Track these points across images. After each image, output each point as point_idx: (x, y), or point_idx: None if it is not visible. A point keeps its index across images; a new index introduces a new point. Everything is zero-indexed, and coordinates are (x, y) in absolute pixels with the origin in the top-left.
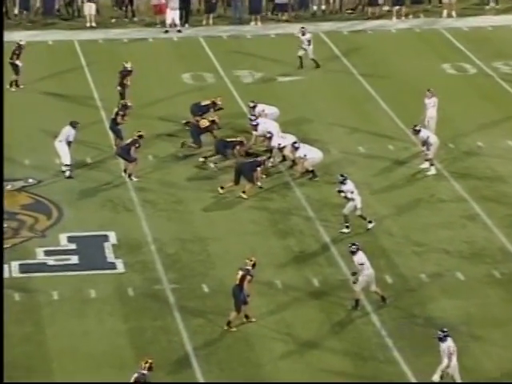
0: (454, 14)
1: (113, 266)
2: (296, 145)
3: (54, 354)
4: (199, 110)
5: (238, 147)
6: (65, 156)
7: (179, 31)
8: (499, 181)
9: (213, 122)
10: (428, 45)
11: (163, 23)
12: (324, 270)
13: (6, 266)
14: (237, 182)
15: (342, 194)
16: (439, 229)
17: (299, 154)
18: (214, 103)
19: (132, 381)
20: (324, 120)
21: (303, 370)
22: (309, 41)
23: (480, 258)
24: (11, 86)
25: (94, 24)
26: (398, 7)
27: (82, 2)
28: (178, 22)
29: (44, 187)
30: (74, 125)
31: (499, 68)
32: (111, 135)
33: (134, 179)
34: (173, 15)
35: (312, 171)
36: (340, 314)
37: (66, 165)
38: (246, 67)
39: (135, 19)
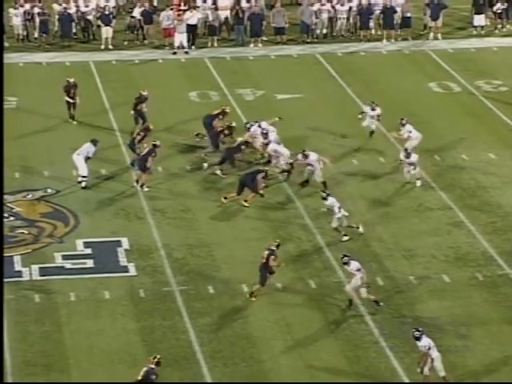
0: (439, 36)
1: (125, 270)
2: (305, 152)
3: (71, 351)
4: (211, 119)
5: (243, 147)
6: (82, 168)
7: (186, 53)
8: (482, 191)
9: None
10: (416, 65)
11: (172, 45)
12: (320, 272)
13: (26, 270)
14: (239, 192)
15: (327, 209)
16: (427, 235)
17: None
18: (223, 111)
19: (141, 375)
20: (320, 135)
21: (301, 366)
22: (378, 116)
23: (464, 262)
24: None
25: (110, 46)
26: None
27: (98, 27)
28: (185, 44)
29: (62, 197)
30: (94, 142)
31: (482, 86)
32: (124, 150)
33: (146, 189)
34: (181, 38)
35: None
36: (335, 314)
37: (83, 176)
38: (247, 86)
39: (146, 42)
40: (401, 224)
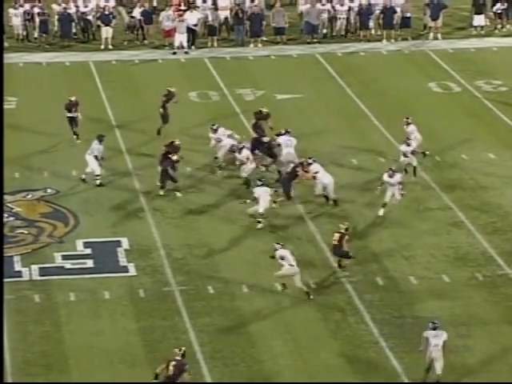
0: (439, 36)
1: (125, 270)
2: (310, 161)
3: (71, 351)
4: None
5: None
6: (94, 167)
7: (186, 53)
8: (482, 191)
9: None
10: (416, 65)
11: (171, 45)
12: (320, 272)
13: (26, 270)
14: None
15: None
16: (426, 235)
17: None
18: (260, 113)
19: (172, 370)
20: (320, 134)
21: (301, 366)
22: (412, 152)
23: (464, 262)
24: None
25: (110, 46)
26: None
27: (98, 27)
28: (185, 44)
29: (62, 197)
30: (100, 139)
31: (481, 87)
32: (124, 150)
33: (178, 194)
34: (181, 38)
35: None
36: (335, 314)
37: (97, 175)
38: (247, 86)
39: (146, 42)
40: (401, 224)
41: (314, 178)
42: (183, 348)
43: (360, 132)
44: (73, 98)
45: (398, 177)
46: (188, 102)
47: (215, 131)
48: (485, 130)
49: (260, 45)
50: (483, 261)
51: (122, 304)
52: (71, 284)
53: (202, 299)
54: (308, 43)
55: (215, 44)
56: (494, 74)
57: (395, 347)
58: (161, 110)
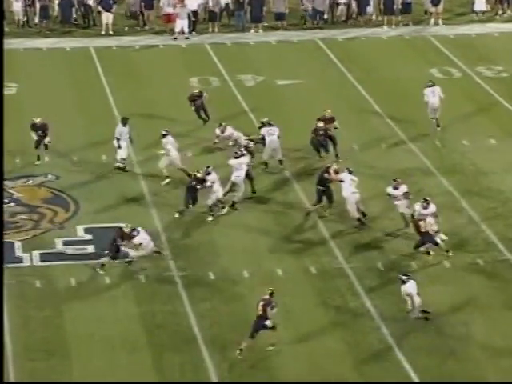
0: (440, 22)
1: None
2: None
3: (72, 337)
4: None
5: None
6: (120, 151)
7: (187, 38)
8: (482, 176)
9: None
10: (417, 51)
11: (172, 31)
12: (320, 258)
13: (27, 255)
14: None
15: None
16: None
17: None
18: (324, 118)
19: (260, 309)
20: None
21: (302, 353)
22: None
23: (465, 247)
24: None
25: (111, 32)
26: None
27: (99, 13)
28: (186, 30)
29: (62, 183)
30: (123, 122)
31: (482, 72)
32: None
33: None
34: (182, 24)
35: None
36: (336, 300)
37: (122, 158)
38: (248, 72)
39: (146, 28)
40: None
41: (341, 181)
42: (271, 288)
43: (360, 117)
44: (37, 120)
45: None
46: (188, 87)
47: (223, 130)
48: (485, 116)
49: (261, 30)
50: (484, 246)
51: (122, 289)
52: (72, 269)
53: (203, 284)
54: (308, 29)
55: (216, 30)
56: (495, 60)
57: (394, 330)
58: (196, 112)
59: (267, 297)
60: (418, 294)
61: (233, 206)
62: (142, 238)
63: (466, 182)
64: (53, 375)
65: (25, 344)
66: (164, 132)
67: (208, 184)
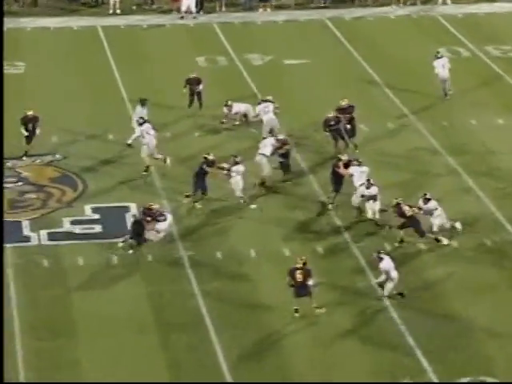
0: (448, 1)
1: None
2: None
3: (79, 316)
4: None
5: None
6: (136, 131)
7: (194, 17)
8: (491, 156)
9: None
10: (424, 30)
11: (179, 10)
12: (327, 237)
13: (35, 234)
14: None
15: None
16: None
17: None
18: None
19: (299, 274)
20: (328, 99)
21: (309, 331)
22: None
23: (473, 227)
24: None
25: (118, 11)
26: None
27: None
28: (193, 9)
29: (70, 162)
30: (142, 102)
31: (490, 52)
32: (131, 113)
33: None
34: (189, 2)
35: None
36: (343, 279)
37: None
38: (255, 51)
39: (154, 7)
40: (408, 190)
41: (350, 176)
42: (303, 257)
43: (368, 97)
44: (30, 112)
45: (373, 190)
46: (196, 66)
47: (230, 108)
48: (493, 95)
49: (268, 9)
50: (492, 226)
51: (130, 269)
52: (80, 249)
53: (210, 265)
54: (317, 8)
55: (223, 9)
56: (503, 39)
57: (401, 311)
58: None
59: (300, 265)
60: (395, 269)
61: (262, 184)
62: (167, 225)
63: (473, 161)
64: (59, 354)
65: (32, 323)
66: (141, 120)
67: (233, 174)
